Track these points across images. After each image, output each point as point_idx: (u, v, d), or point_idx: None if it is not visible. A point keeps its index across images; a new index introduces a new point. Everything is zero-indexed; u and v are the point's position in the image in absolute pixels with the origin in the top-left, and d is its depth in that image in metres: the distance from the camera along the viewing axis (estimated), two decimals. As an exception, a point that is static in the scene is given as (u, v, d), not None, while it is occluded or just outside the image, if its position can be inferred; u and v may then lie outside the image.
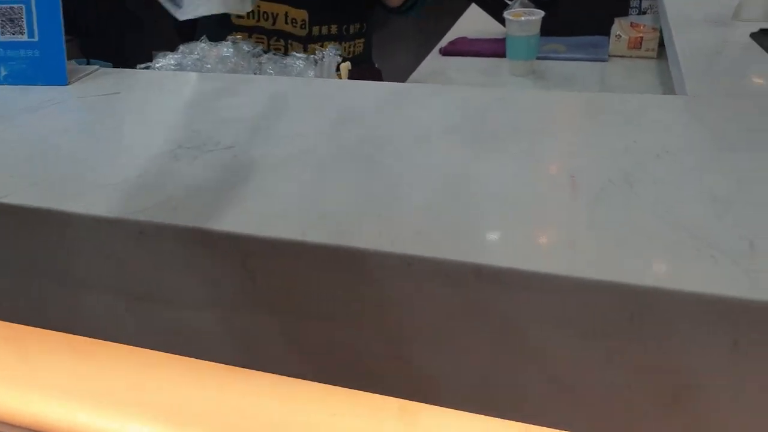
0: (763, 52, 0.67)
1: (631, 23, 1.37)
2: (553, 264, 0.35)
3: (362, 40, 1.17)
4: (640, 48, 1.35)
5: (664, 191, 0.41)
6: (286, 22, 1.12)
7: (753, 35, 0.71)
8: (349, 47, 1.17)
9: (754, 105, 0.55)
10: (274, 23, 1.12)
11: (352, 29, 1.15)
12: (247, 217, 0.41)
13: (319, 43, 1.13)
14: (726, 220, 0.38)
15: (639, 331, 0.35)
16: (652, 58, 1.35)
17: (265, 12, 1.12)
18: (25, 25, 0.63)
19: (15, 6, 0.62)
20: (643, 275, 0.34)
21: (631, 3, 1.41)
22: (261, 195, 0.44)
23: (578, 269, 0.34)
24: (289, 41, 1.14)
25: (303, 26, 1.12)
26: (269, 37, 1.15)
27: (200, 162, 0.49)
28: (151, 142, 0.53)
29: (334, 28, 1.13)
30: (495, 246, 0.37)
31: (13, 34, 0.63)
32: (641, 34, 1.34)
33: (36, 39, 0.63)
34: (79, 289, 0.48)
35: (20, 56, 0.64)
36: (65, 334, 0.53)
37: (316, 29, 1.13)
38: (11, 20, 0.63)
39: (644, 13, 1.48)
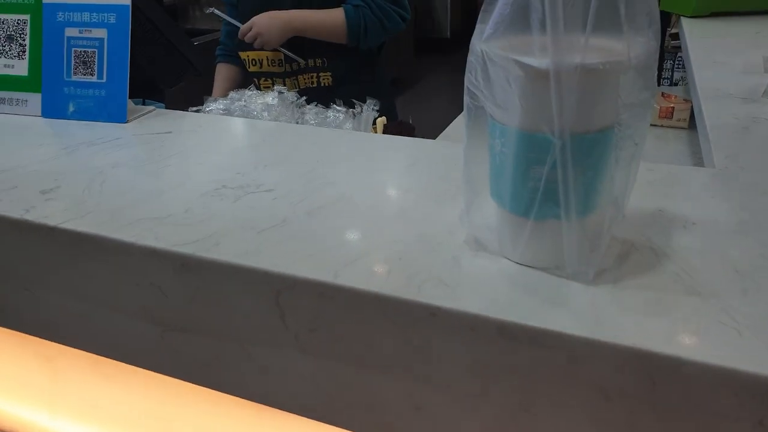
0: (792, 130, 0.68)
1: (663, 94, 1.39)
2: (570, 324, 0.36)
3: (328, 73, 1.40)
4: (672, 118, 1.37)
5: (690, 261, 0.42)
6: (269, 65, 1.40)
7: (783, 113, 0.72)
8: (311, 78, 1.41)
9: (780, 181, 0.56)
10: (260, 67, 1.41)
11: (315, 63, 1.40)
12: (282, 256, 0.44)
13: (293, 77, 1.40)
14: (750, 294, 0.39)
15: (661, 398, 0.35)
16: (683, 128, 1.36)
17: (253, 59, 1.42)
18: (95, 68, 0.68)
19: (89, 50, 0.68)
20: (666, 343, 0.35)
21: (663, 74, 1.44)
22: (297, 236, 0.46)
23: (602, 333, 0.36)
24: (274, 78, 1.42)
25: (280, 64, 1.39)
26: (258, 78, 1.43)
27: (242, 202, 0.52)
28: (197, 181, 0.57)
29: (302, 64, 1.39)
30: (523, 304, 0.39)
31: (84, 75, 0.69)
32: (673, 105, 1.36)
33: (104, 80, 0.69)
34: (119, 315, 0.51)
35: (88, 95, 0.69)
36: (96, 356, 0.56)
37: (287, 66, 1.40)
38: (84, 62, 0.68)
39: (676, 84, 1.51)
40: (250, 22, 1.31)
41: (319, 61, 1.40)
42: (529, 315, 0.37)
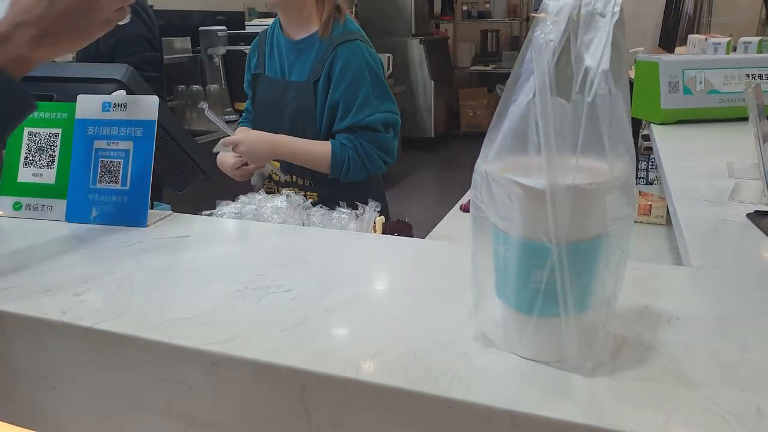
0: (759, 231, 0.75)
1: (640, 192, 1.49)
2: (575, 413, 0.40)
3: (315, 193, 1.43)
4: (650, 215, 1.45)
5: (676, 354, 0.47)
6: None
7: (749, 215, 0.80)
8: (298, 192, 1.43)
9: (753, 279, 0.62)
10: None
11: (303, 181, 1.46)
12: (306, 353, 0.47)
13: (286, 189, 1.39)
14: (733, 385, 0.43)
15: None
16: (661, 224, 1.45)
17: None
18: (120, 176, 0.74)
19: (115, 160, 0.74)
20: (662, 430, 0.38)
21: (638, 174, 1.54)
22: (317, 334, 0.50)
23: (603, 420, 0.39)
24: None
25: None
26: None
27: (264, 302, 0.56)
28: (220, 282, 0.61)
29: (295, 178, 1.46)
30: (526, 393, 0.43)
31: (109, 182, 0.74)
32: (650, 203, 1.45)
33: (127, 187, 0.74)
34: (143, 412, 0.53)
35: (110, 201, 0.75)
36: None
37: (274, 175, 1.47)
38: (110, 171, 0.74)
39: (651, 183, 1.61)
40: (237, 138, 1.34)
41: (308, 181, 1.44)
42: (537, 405, 0.41)
